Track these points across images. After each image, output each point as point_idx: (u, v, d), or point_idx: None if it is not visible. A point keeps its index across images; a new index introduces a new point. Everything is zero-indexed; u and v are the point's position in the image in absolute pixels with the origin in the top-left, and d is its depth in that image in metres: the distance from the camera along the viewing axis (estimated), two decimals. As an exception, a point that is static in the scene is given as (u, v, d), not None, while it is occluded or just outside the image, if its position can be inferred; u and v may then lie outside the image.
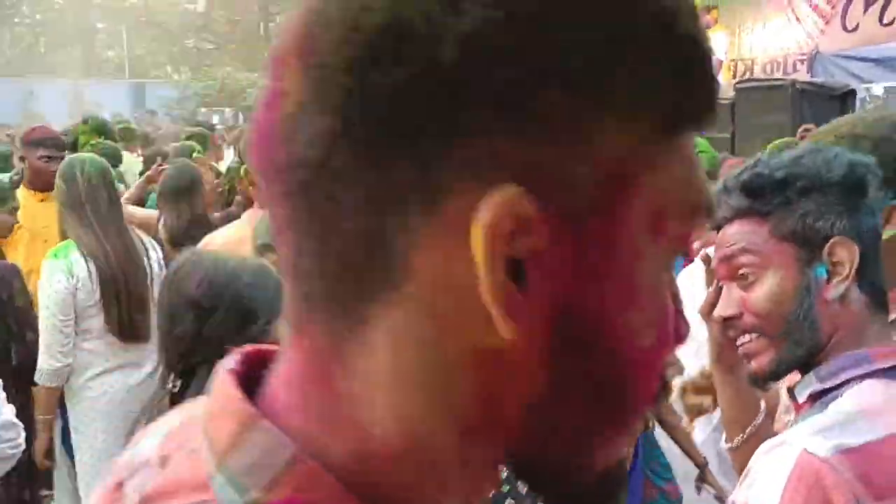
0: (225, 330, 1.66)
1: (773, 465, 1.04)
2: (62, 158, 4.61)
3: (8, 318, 3.38)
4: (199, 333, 1.67)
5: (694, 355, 2.74)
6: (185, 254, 1.82)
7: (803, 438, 1.03)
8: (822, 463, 0.99)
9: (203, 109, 21.85)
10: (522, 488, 1.48)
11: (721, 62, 9.76)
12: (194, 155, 5.85)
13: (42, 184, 4.33)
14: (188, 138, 8.06)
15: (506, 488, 1.45)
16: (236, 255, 1.80)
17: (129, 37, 34.40)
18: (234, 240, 2.69)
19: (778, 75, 9.70)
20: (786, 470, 1.01)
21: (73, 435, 3.40)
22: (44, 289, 3.26)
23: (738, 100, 6.47)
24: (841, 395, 1.10)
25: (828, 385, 1.12)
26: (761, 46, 11.20)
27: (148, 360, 3.45)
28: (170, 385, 1.70)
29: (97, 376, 3.37)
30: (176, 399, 1.68)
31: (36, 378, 3.26)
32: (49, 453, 3.43)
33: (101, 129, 5.85)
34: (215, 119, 19.23)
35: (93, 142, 5.50)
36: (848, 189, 1.15)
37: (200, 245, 2.82)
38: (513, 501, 1.45)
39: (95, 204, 3.36)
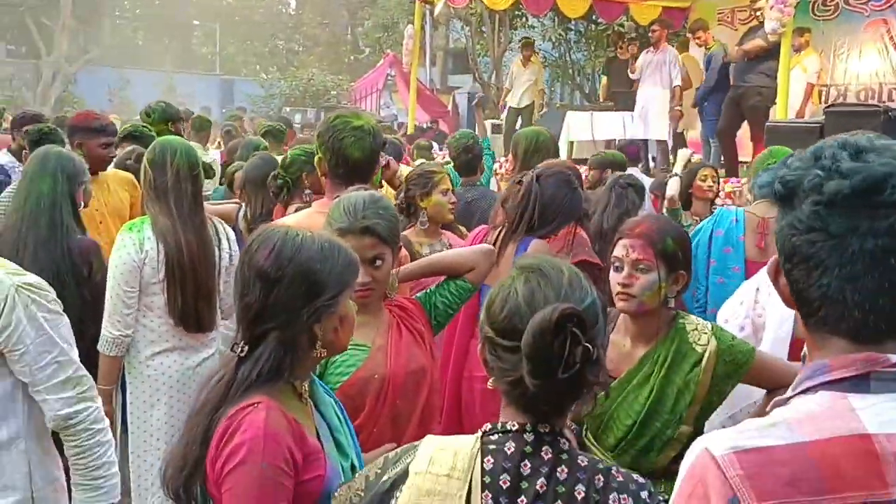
0: (290, 299, 1.72)
1: (684, 461, 1.11)
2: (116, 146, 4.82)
3: (85, 292, 3.48)
4: (266, 302, 1.73)
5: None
6: (261, 227, 1.87)
7: (710, 438, 1.09)
8: (711, 460, 1.05)
9: (287, 108, 22.30)
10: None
11: (812, 86, 9.51)
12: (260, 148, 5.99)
13: (98, 168, 4.56)
14: (264, 133, 8.25)
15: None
16: (308, 230, 1.83)
17: (222, 34, 35.37)
18: (303, 226, 2.73)
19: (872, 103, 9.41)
20: (686, 464, 1.10)
21: (128, 409, 3.47)
22: (113, 259, 3.35)
23: (826, 123, 6.25)
24: (788, 403, 1.12)
25: (788, 394, 1.13)
26: (855, 73, 10.89)
27: (207, 345, 3.55)
28: (238, 350, 1.76)
29: (156, 355, 3.43)
30: (241, 364, 1.74)
31: (99, 347, 3.34)
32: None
33: (169, 117, 5.91)
34: (297, 118, 19.60)
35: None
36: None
37: None
38: None
39: (179, 195, 3.41)
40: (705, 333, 2.38)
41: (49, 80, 24.78)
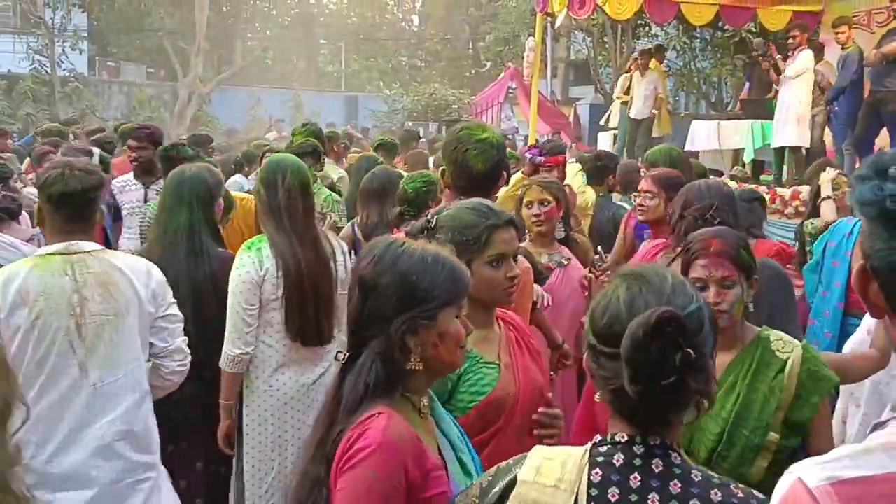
0: (383, 307, 1.72)
1: (776, 492, 1.06)
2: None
3: (222, 305, 3.52)
4: (363, 309, 1.74)
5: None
6: (375, 239, 1.89)
7: (804, 468, 1.04)
8: (806, 492, 1.01)
9: (409, 123, 22.65)
10: None
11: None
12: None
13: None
14: (376, 147, 8.40)
15: None
16: (416, 243, 1.83)
17: (347, 53, 36.37)
18: None
19: None
20: (778, 495, 1.05)
21: (244, 423, 3.52)
22: (233, 277, 3.42)
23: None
24: (886, 426, 1.06)
25: (885, 416, 1.07)
26: None
27: (323, 360, 3.58)
28: (341, 357, 1.78)
29: (274, 372, 3.48)
30: (344, 374, 1.76)
31: (220, 363, 3.43)
32: (227, 439, 3.57)
33: (316, 135, 6.18)
34: (420, 131, 19.88)
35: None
36: None
37: None
38: None
39: (292, 213, 3.48)
40: (790, 343, 2.40)
41: (185, 100, 26.04)
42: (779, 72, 9.54)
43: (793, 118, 9.39)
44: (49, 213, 2.90)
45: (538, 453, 1.53)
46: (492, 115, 18.37)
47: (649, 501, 1.40)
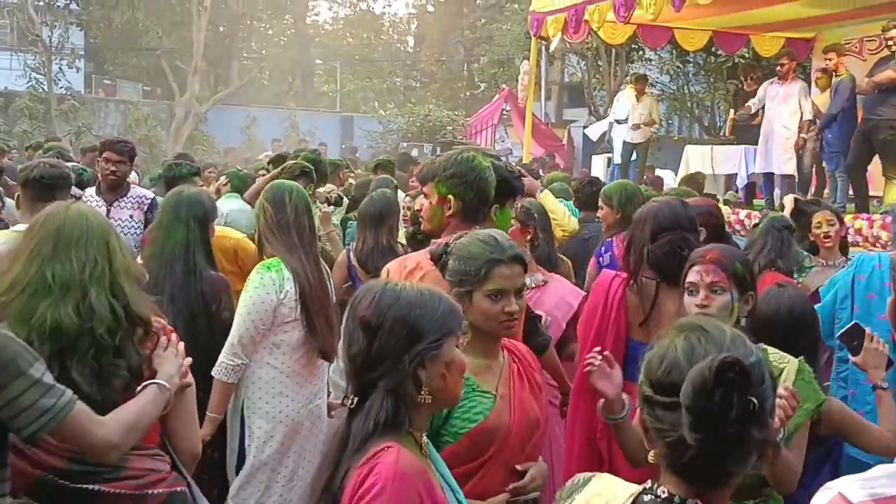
0: (392, 346, 1.76)
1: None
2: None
3: (215, 326, 3.63)
4: (370, 351, 1.78)
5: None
6: (367, 283, 1.94)
7: (843, 484, 1.08)
8: None
9: (404, 144, 22.73)
10: None
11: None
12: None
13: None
14: (375, 167, 8.47)
15: None
16: (407, 283, 1.91)
17: (342, 73, 36.54)
18: (423, 262, 2.79)
19: None
20: None
21: (246, 444, 3.56)
22: (250, 295, 3.47)
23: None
24: None
25: None
26: None
27: (319, 379, 3.67)
28: (349, 403, 1.81)
29: (277, 392, 3.53)
30: (352, 415, 1.79)
31: (214, 372, 3.46)
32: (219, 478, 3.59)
33: (313, 161, 6.22)
34: (414, 153, 19.96)
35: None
36: None
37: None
38: None
39: (300, 231, 3.59)
40: (785, 357, 2.48)
41: (182, 119, 26.07)
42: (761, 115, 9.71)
43: (781, 146, 9.49)
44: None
45: (596, 486, 1.54)
46: (486, 137, 18.49)
47: None
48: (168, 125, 26.51)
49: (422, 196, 3.08)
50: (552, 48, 14.49)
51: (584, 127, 17.10)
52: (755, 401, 1.33)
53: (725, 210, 9.86)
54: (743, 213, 9.60)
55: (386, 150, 21.28)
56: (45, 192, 3.81)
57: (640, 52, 18.49)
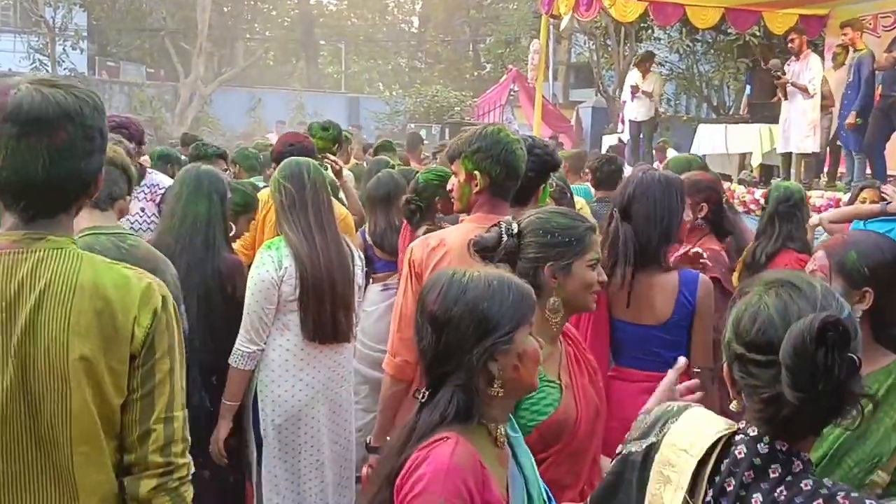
0: (461, 339, 1.72)
1: None
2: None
3: (231, 309, 3.50)
4: (439, 345, 1.74)
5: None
6: (435, 274, 1.90)
7: None
8: None
9: (411, 125, 22.63)
10: None
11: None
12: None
13: None
14: (377, 148, 8.38)
15: None
16: (477, 269, 1.84)
17: (347, 54, 36.38)
18: (461, 241, 2.68)
19: None
20: None
21: (261, 428, 3.47)
22: (251, 276, 3.39)
23: None
24: None
25: None
26: None
27: (337, 364, 3.55)
28: (419, 396, 1.78)
29: (290, 374, 3.44)
30: (422, 409, 1.76)
31: (230, 360, 3.38)
32: (236, 454, 3.52)
33: (335, 139, 5.99)
34: (422, 133, 19.86)
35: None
36: None
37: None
38: None
39: (318, 208, 3.47)
40: None
41: (186, 100, 26.00)
42: (786, 95, 9.51)
43: (801, 124, 9.36)
44: None
45: (689, 416, 1.57)
46: (494, 118, 18.38)
47: (753, 501, 1.41)
48: (173, 107, 26.46)
49: (451, 175, 2.97)
50: (563, 26, 14.34)
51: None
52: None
53: (740, 190, 9.81)
54: (759, 193, 9.51)
55: (393, 132, 21.21)
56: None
57: (650, 32, 18.31)
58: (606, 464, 2.38)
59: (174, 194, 3.63)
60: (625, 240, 2.92)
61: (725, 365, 1.51)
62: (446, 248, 2.72)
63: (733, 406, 1.50)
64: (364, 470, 2.80)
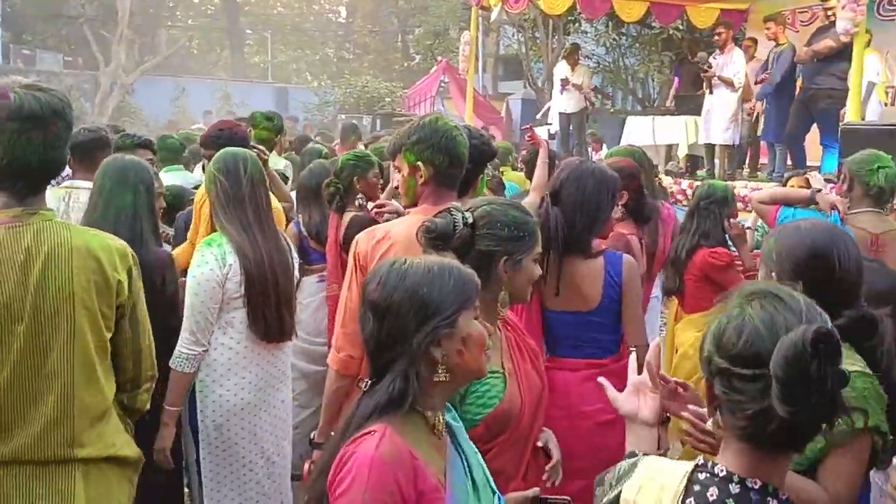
0: (401, 326, 1.70)
1: None
2: None
3: (158, 305, 3.28)
4: (381, 333, 1.72)
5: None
6: (378, 265, 1.87)
7: None
8: None
9: (342, 116, 22.41)
10: None
11: (873, 85, 9.19)
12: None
13: None
14: (306, 140, 8.30)
15: None
16: (418, 257, 1.83)
17: (273, 43, 35.82)
18: (407, 233, 2.64)
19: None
20: None
21: (199, 429, 3.37)
22: (194, 275, 3.25)
23: (905, 125, 6.07)
24: None
25: None
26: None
27: (279, 360, 3.47)
28: (363, 385, 1.76)
29: (232, 374, 3.34)
30: (364, 398, 1.73)
31: (171, 362, 3.24)
32: (174, 452, 3.38)
33: (279, 130, 5.84)
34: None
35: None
36: None
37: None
38: None
39: (256, 203, 3.34)
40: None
41: (107, 90, 25.23)
42: (711, 88, 9.75)
43: (723, 116, 9.62)
44: None
45: (645, 468, 1.50)
46: (424, 109, 18.36)
47: None
48: (92, 97, 25.65)
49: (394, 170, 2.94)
50: (493, 18, 14.40)
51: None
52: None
53: (668, 181, 10.01)
54: (685, 183, 9.73)
55: (323, 122, 20.96)
56: None
57: (577, 25, 18.52)
58: (549, 435, 2.42)
59: (97, 187, 3.41)
60: (555, 224, 2.94)
61: (705, 381, 1.46)
62: (391, 240, 2.68)
63: (709, 425, 1.46)
64: (306, 467, 2.73)
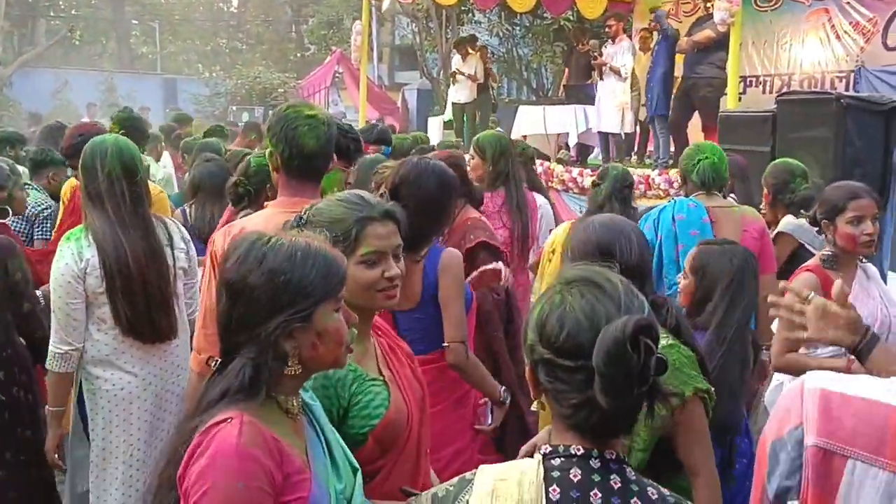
0: (256, 311, 1.58)
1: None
2: None
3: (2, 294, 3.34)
4: (232, 313, 1.60)
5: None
6: (240, 237, 1.72)
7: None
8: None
9: (234, 107, 21.94)
10: None
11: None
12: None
13: None
14: (207, 133, 8.11)
15: None
16: (285, 236, 1.67)
17: (161, 33, 34.70)
18: (264, 227, 2.56)
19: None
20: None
21: (89, 427, 3.27)
22: (53, 270, 3.16)
23: (779, 113, 6.31)
24: None
25: None
26: (798, 62, 11.08)
27: (169, 354, 3.35)
28: (212, 364, 1.65)
29: (113, 369, 3.24)
30: (213, 380, 1.62)
31: (46, 364, 3.16)
32: (60, 450, 3.31)
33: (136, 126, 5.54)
34: (245, 117, 19.31)
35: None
36: None
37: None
38: None
39: (115, 199, 3.20)
40: None
41: (-17, 83, 24.03)
42: (602, 76, 10.01)
43: (611, 105, 9.89)
44: None
45: (488, 476, 1.43)
46: (319, 100, 18.14)
47: None
48: (-33, 90, 24.33)
49: None
50: (383, 8, 14.32)
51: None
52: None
53: (559, 169, 10.20)
54: (576, 171, 9.91)
55: (214, 114, 20.44)
56: None
57: (471, 15, 18.64)
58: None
59: None
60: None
61: (528, 367, 1.45)
62: None
63: (534, 407, 1.46)
64: None
